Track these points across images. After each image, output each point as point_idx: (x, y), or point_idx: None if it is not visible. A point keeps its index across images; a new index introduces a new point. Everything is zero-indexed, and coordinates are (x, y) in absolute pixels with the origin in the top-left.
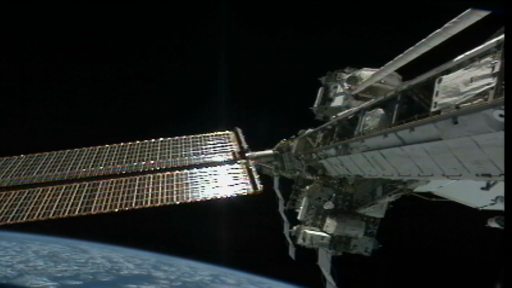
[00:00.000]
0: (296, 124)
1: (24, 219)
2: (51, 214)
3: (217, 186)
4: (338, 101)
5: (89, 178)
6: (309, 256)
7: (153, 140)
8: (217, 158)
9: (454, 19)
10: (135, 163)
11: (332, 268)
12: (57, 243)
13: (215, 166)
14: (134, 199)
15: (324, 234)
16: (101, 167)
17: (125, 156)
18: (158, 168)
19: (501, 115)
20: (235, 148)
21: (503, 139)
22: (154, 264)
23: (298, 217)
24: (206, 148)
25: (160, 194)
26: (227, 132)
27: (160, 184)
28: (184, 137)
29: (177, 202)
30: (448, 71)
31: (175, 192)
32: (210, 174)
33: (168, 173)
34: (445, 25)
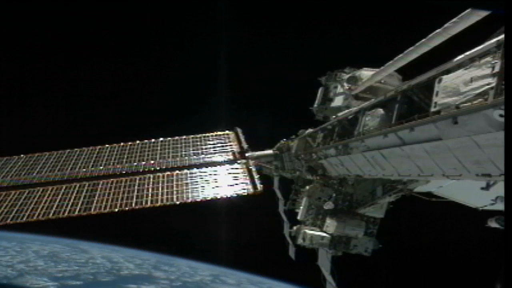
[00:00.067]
0: (296, 124)
1: (24, 219)
2: (51, 214)
3: (217, 186)
4: (338, 101)
5: (89, 178)
6: (309, 256)
7: (153, 140)
8: (217, 158)
9: (454, 19)
10: (135, 163)
11: (332, 268)
12: (57, 243)
13: (215, 166)
14: (134, 199)
15: (324, 234)
16: (101, 167)
17: (125, 156)
18: (158, 168)
19: (501, 115)
20: (235, 148)
21: (503, 139)
22: (154, 264)
23: (298, 217)
24: (206, 148)
25: (160, 194)
26: (227, 132)
27: (160, 184)
28: (184, 137)
29: (177, 202)
30: (448, 71)
31: (175, 192)
32: (210, 174)
33: (168, 173)
34: (445, 25)
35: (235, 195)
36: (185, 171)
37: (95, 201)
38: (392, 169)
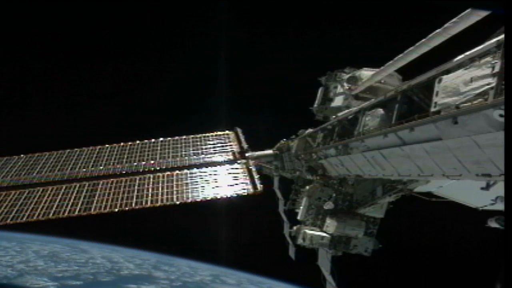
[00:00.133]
0: (296, 124)
1: (24, 219)
2: (51, 214)
3: (217, 186)
4: (338, 101)
5: (89, 178)
6: (309, 256)
7: (153, 140)
8: (217, 158)
9: (454, 19)
10: (135, 163)
11: (332, 268)
12: (57, 243)
13: (215, 166)
14: (134, 199)
15: (324, 234)
16: (101, 167)
17: (125, 156)
18: (158, 168)
19: (501, 115)
20: (235, 148)
21: (503, 139)
22: (154, 264)
23: (298, 217)
24: (206, 148)
25: (160, 194)
26: (227, 132)
27: (160, 184)
28: (184, 137)
29: (177, 202)
30: (448, 71)
31: (175, 192)
32: (210, 174)
33: (168, 173)
34: (445, 25)
35: (235, 195)
36: (185, 171)
37: (95, 201)
38: (392, 169)
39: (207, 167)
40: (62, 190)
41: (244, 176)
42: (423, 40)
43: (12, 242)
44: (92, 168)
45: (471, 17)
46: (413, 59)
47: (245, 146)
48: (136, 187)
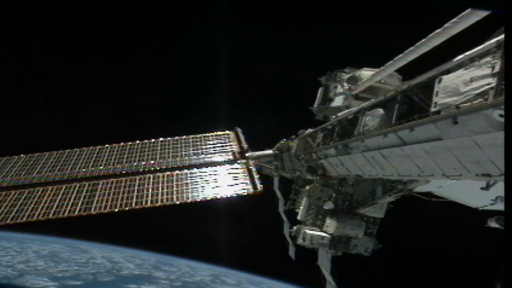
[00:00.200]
0: (296, 124)
1: (24, 219)
2: (51, 214)
3: (217, 186)
4: (338, 101)
5: (89, 178)
6: (309, 256)
7: (153, 140)
8: (217, 158)
9: (454, 19)
10: (135, 163)
11: (332, 268)
12: (57, 243)
13: (215, 166)
14: (134, 199)
15: (324, 234)
16: (101, 167)
17: (125, 156)
18: (158, 168)
19: (501, 115)
20: (235, 148)
21: (503, 139)
22: (154, 264)
23: (298, 217)
24: (206, 148)
25: (160, 194)
26: (227, 132)
27: (160, 184)
28: (184, 137)
29: (177, 202)
30: (448, 71)
31: (175, 192)
32: (210, 174)
33: (168, 173)
34: (445, 25)
35: (235, 195)
36: (185, 171)
37: (95, 201)
38: (392, 169)
39: (207, 167)
40: (62, 190)
41: (244, 176)
42: (423, 40)
43: (12, 242)
44: (92, 168)
45: (471, 17)
46: (413, 59)
47: (245, 146)
48: (136, 187)
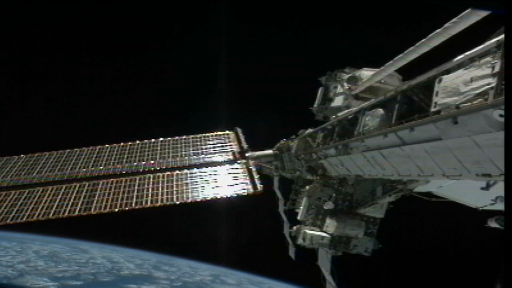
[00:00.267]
0: (296, 124)
1: (24, 219)
2: (51, 214)
3: (217, 186)
4: (338, 101)
5: (89, 178)
6: (309, 256)
7: (153, 140)
8: (217, 158)
9: (454, 19)
10: (135, 163)
11: (332, 268)
12: (57, 243)
13: (215, 166)
14: (134, 199)
15: (324, 234)
16: (101, 167)
17: (125, 156)
18: (158, 168)
19: (501, 115)
20: (235, 148)
21: (503, 139)
22: (154, 264)
23: (298, 217)
24: (206, 148)
25: (160, 194)
26: (227, 132)
27: (160, 184)
28: (184, 137)
29: (177, 202)
30: (448, 71)
31: (175, 192)
32: (210, 174)
33: (168, 173)
34: (445, 25)
35: (235, 195)
36: (185, 171)
37: (95, 201)
38: (392, 169)
39: (207, 167)
40: (62, 190)
41: (244, 176)
42: (423, 40)
43: (12, 242)
44: (92, 168)
45: (471, 17)
46: (413, 59)
47: (245, 146)
48: (136, 187)
